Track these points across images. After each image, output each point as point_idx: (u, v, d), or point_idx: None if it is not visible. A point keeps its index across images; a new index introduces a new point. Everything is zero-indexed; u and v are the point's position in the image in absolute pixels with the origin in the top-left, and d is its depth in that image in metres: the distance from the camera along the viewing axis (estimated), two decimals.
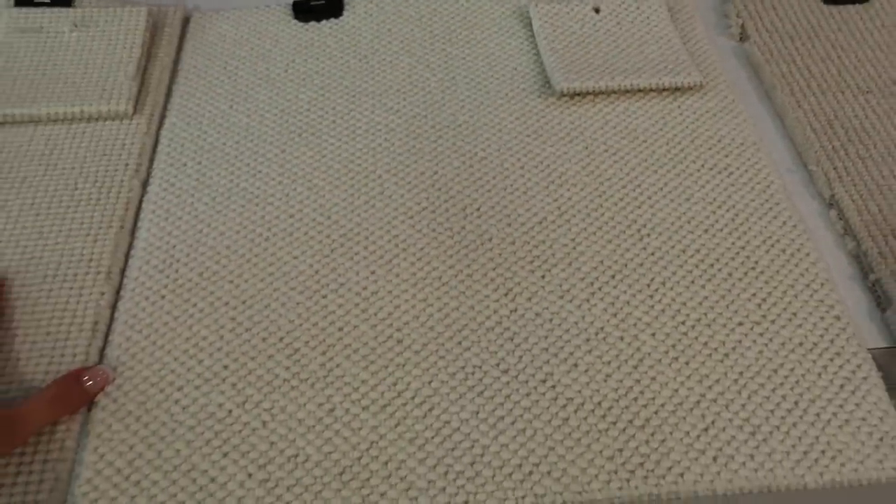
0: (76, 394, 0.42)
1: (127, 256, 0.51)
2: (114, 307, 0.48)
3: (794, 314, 0.47)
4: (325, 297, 0.48)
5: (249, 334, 0.46)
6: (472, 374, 0.45)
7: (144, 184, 0.55)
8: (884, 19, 0.65)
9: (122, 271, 0.50)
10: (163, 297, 0.48)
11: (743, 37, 0.66)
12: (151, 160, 0.57)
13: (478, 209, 0.53)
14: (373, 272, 0.49)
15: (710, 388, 0.44)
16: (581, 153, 0.56)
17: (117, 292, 0.49)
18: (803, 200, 0.54)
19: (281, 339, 0.46)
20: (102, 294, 0.48)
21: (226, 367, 0.45)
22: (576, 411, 0.43)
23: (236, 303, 0.48)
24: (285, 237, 0.51)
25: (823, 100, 0.59)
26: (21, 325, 0.46)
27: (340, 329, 0.47)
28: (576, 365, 0.45)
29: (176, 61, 0.64)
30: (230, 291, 0.48)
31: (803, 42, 0.63)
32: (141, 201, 0.54)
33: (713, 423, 0.43)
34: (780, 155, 0.57)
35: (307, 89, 0.61)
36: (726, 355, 0.45)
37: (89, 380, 0.43)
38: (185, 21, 0.67)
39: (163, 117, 0.60)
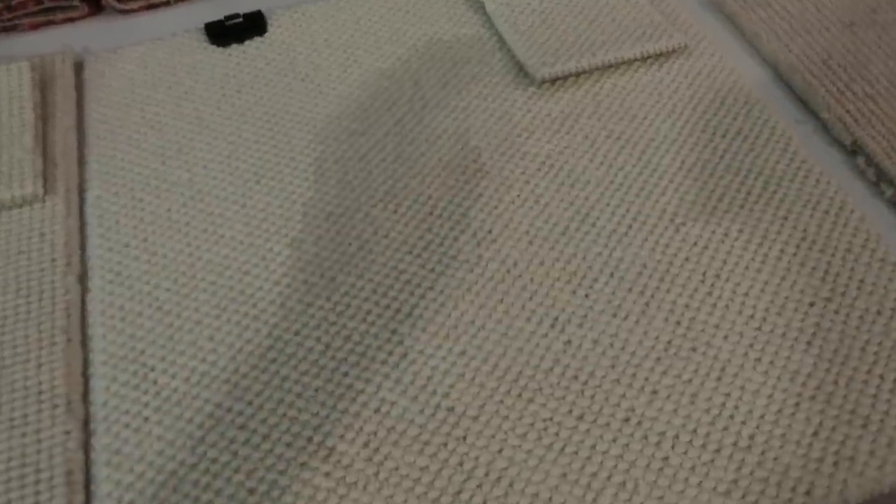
0: None
1: (86, 377, 0.41)
2: (86, 447, 0.38)
3: (862, 281, 0.43)
4: (345, 374, 0.40)
5: (269, 442, 0.38)
6: (546, 429, 0.38)
7: (82, 279, 0.45)
8: None
9: (85, 398, 0.40)
10: (146, 419, 0.39)
11: None
12: (83, 248, 0.46)
13: (489, 231, 0.46)
14: (393, 331, 0.41)
15: (804, 384, 0.39)
16: (583, 145, 0.50)
17: (85, 426, 0.39)
18: (822, 150, 0.50)
19: (310, 440, 0.38)
20: (68, 433, 0.38)
21: (251, 491, 0.36)
22: (673, 447, 0.37)
23: (241, 406, 0.39)
24: (277, 311, 0.42)
25: (812, 39, 0.55)
26: None
27: (377, 410, 0.39)
28: (655, 392, 0.39)
29: (80, 119, 0.53)
30: (229, 394, 0.39)
31: None
32: (84, 302, 0.44)
33: (821, 423, 0.38)
34: (784, 106, 0.53)
35: (249, 125, 0.52)
36: (808, 343, 0.41)
37: None
38: (79, 68, 0.56)
39: (83, 192, 0.49)
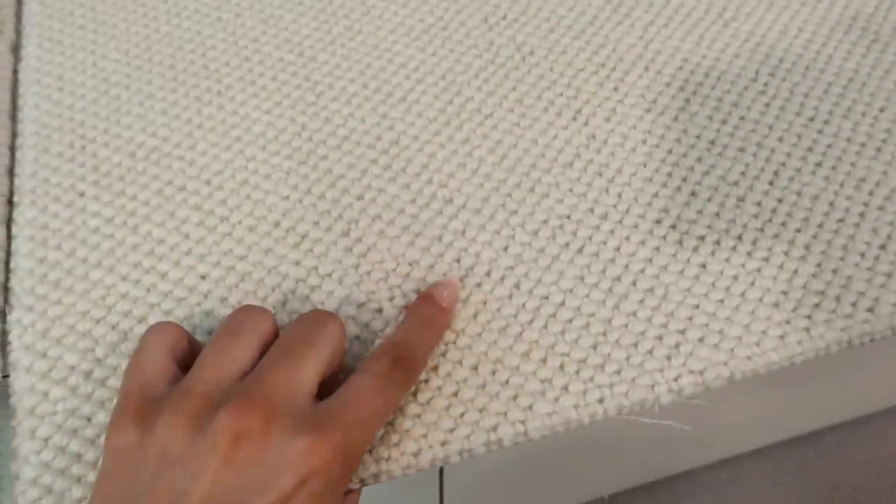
0: (439, 316, 0.29)
1: (12, 150, 0.34)
2: (9, 222, 0.32)
3: None
4: (324, 157, 0.33)
5: (227, 225, 0.31)
6: (562, 227, 0.32)
7: (15, 48, 0.37)
8: None
9: (11, 171, 0.33)
10: (81, 194, 0.32)
11: None
12: (19, 16, 0.39)
13: (503, 17, 0.38)
14: (384, 115, 0.35)
15: (871, 193, 0.33)
16: None
17: (9, 202, 0.32)
18: None
19: (277, 225, 0.31)
20: None
21: (203, 276, 0.30)
22: (713, 253, 0.31)
23: (196, 184, 0.32)
24: (246, 87, 0.35)
25: None
26: None
27: (360, 197, 0.32)
28: (694, 193, 0.33)
29: None
30: (182, 171, 0.33)
31: None
32: (16, 72, 0.36)
33: (889, 236, 0.32)
34: None
35: None
36: (878, 150, 0.34)
37: (442, 296, 0.29)
38: None
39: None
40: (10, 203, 0.32)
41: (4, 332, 0.29)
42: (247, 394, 0.23)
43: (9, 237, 0.31)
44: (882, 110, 0.35)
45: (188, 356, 0.25)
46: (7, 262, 0.31)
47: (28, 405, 0.27)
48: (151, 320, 0.29)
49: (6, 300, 0.30)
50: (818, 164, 0.33)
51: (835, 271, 0.31)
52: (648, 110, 0.35)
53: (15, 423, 0.27)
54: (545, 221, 0.32)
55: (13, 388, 0.28)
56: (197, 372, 0.23)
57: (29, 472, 0.26)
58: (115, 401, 0.27)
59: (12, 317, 0.29)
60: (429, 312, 0.28)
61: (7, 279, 0.30)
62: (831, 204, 0.32)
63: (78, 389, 0.27)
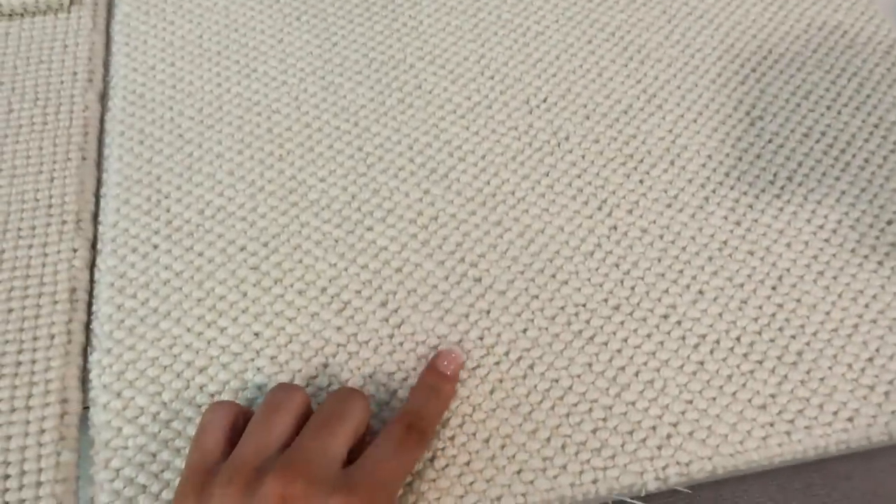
0: (444, 385, 0.33)
1: (97, 197, 0.39)
2: (92, 267, 0.36)
3: None
4: (370, 228, 0.37)
5: (280, 287, 0.35)
6: (577, 315, 0.35)
7: (103, 98, 0.42)
8: None
9: (95, 217, 0.38)
10: (155, 246, 0.36)
11: None
12: (107, 65, 0.43)
13: (544, 100, 0.41)
14: (426, 191, 0.38)
15: (867, 306, 0.36)
16: (659, 20, 0.44)
17: (93, 247, 0.37)
18: None
19: (324, 291, 0.35)
20: (75, 251, 0.36)
21: (257, 334, 0.34)
22: (711, 352, 0.34)
23: (256, 246, 0.36)
24: (304, 154, 0.39)
25: None
26: None
27: (399, 270, 0.36)
28: (701, 292, 0.36)
29: None
30: (244, 232, 0.37)
31: None
32: (103, 121, 0.41)
33: (878, 350, 0.34)
34: (894, 5, 0.47)
35: None
36: (880, 263, 0.37)
37: (447, 366, 0.33)
38: None
39: (111, 6, 0.45)
40: (94, 248, 0.37)
41: (86, 369, 0.34)
42: (289, 463, 0.27)
43: (92, 281, 0.36)
44: (889, 223, 0.38)
45: (243, 429, 0.29)
46: (90, 304, 0.35)
47: (104, 438, 0.32)
48: (211, 372, 0.33)
49: (88, 340, 0.34)
50: (820, 273, 0.36)
51: (822, 380, 0.34)
52: (669, 206, 0.38)
53: (93, 453, 0.32)
54: (562, 308, 0.35)
55: (92, 422, 0.32)
56: (244, 446, 0.28)
57: (103, 497, 0.31)
58: (176, 441, 0.31)
59: (93, 357, 0.34)
60: (434, 382, 0.32)
61: (89, 321, 0.35)
62: (827, 314, 0.35)
63: (146, 428, 0.32)
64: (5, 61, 0.42)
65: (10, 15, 0.44)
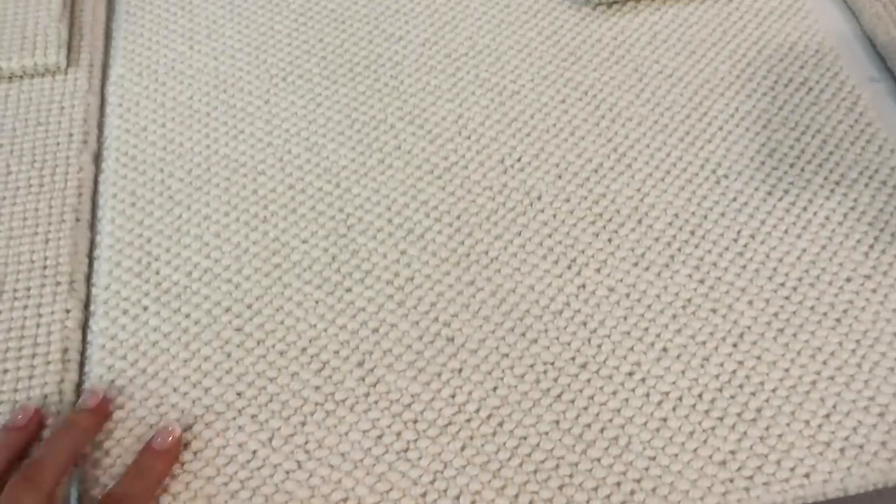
0: (157, 463, 0.34)
1: (91, 259, 0.40)
2: (84, 327, 0.38)
3: None
4: (349, 289, 0.39)
5: (263, 348, 0.37)
6: (545, 373, 0.37)
7: (97, 158, 0.44)
8: None
9: (88, 278, 0.40)
10: (145, 308, 0.38)
11: None
12: (101, 126, 0.45)
13: (518, 159, 0.43)
14: (403, 251, 0.40)
15: (824, 363, 0.37)
16: (631, 78, 0.46)
17: (86, 307, 0.39)
18: (893, 115, 0.46)
19: (304, 351, 0.37)
20: (68, 312, 0.38)
21: (240, 394, 0.36)
22: (674, 409, 0.36)
23: (240, 308, 0.38)
24: (288, 216, 0.41)
25: None
26: None
27: (375, 330, 0.38)
28: (665, 350, 0.37)
29: None
30: (230, 293, 0.39)
31: None
32: (97, 183, 0.43)
33: (835, 406, 0.36)
34: (859, 60, 0.48)
35: (282, 17, 0.49)
36: (838, 321, 0.38)
37: (161, 443, 0.34)
38: None
39: (106, 68, 0.47)
40: (87, 308, 0.39)
41: None
42: None
43: (84, 341, 0.38)
44: (848, 280, 0.39)
45: None
46: (81, 364, 0.37)
47: (94, 496, 0.34)
48: (196, 430, 0.35)
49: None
50: (780, 331, 0.38)
51: (780, 436, 0.35)
52: (636, 264, 0.40)
53: None
54: (531, 366, 0.37)
55: (81, 479, 0.34)
56: None
57: None
58: (162, 499, 0.33)
59: None
60: (145, 463, 0.33)
61: (80, 381, 0.37)
62: (786, 371, 0.37)
63: None
64: (4, 123, 0.44)
65: (10, 77, 0.46)
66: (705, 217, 0.41)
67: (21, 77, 0.46)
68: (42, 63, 0.46)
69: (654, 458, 0.35)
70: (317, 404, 0.36)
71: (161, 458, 0.34)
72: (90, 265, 0.40)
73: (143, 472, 0.33)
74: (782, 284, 0.39)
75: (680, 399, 0.36)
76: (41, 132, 0.44)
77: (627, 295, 0.39)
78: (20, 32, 0.46)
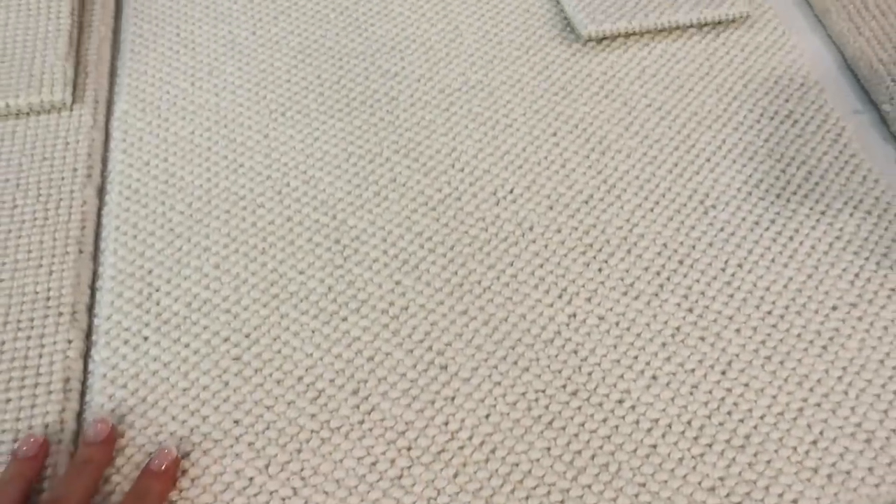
0: (155, 484, 0.34)
1: (93, 290, 0.41)
2: (86, 357, 0.39)
3: (894, 290, 0.41)
4: (345, 319, 0.40)
5: (260, 377, 0.38)
6: (537, 400, 0.37)
7: (101, 192, 0.45)
8: None
9: (90, 309, 0.41)
10: (145, 338, 0.39)
11: None
12: (105, 161, 0.46)
13: (510, 191, 0.44)
14: (398, 282, 0.41)
15: (811, 390, 0.38)
16: (620, 111, 0.48)
17: (87, 337, 0.40)
18: (877, 146, 0.47)
19: (300, 380, 0.38)
20: (70, 342, 0.39)
21: (237, 421, 0.37)
22: (663, 436, 0.36)
23: (238, 338, 0.39)
24: (286, 247, 0.42)
25: (886, 23, 0.51)
26: None
27: (370, 359, 0.39)
28: (655, 377, 0.38)
29: (116, 31, 0.52)
30: (228, 323, 0.39)
31: None
32: (100, 216, 0.44)
33: (822, 433, 0.36)
34: (843, 93, 0.50)
35: (281, 55, 0.51)
36: (824, 348, 0.39)
37: (159, 464, 0.35)
38: None
39: (110, 104, 0.49)
40: (88, 338, 0.40)
41: None
42: None
43: (85, 371, 0.39)
44: (834, 308, 0.40)
45: None
46: (83, 394, 0.38)
47: None
48: (194, 457, 0.36)
49: (80, 429, 0.37)
50: (767, 358, 0.38)
51: (768, 462, 0.36)
52: (625, 293, 0.41)
53: None
54: (523, 394, 0.38)
55: None
56: None
57: None
58: None
59: None
60: (144, 486, 0.34)
61: (81, 410, 0.37)
62: (774, 398, 0.37)
63: None
64: (11, 158, 0.46)
65: (17, 114, 0.48)
66: (693, 247, 0.42)
67: (28, 114, 0.48)
68: (48, 100, 0.47)
69: (643, 485, 0.35)
70: (312, 432, 0.36)
71: (159, 479, 0.34)
72: (92, 296, 0.41)
73: (142, 494, 0.34)
74: (769, 313, 0.40)
75: (669, 426, 0.37)
76: (46, 167, 0.45)
77: (617, 323, 0.40)
78: (27, 71, 0.48)
